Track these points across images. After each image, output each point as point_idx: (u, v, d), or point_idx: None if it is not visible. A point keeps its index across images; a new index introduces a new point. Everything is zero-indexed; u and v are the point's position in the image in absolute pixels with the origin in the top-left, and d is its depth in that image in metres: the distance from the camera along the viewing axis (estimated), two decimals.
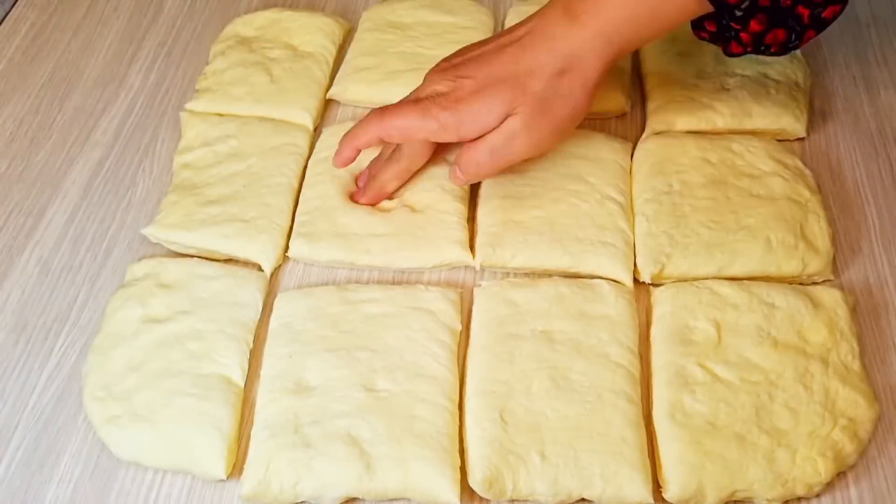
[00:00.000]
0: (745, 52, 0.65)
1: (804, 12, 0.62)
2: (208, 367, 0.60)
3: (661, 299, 0.63)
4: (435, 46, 0.81)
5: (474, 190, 0.72)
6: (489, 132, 0.63)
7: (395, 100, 0.78)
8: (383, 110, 0.65)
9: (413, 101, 0.64)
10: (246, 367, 0.61)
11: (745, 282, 0.64)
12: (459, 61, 0.66)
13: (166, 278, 0.65)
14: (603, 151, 0.72)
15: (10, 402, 0.62)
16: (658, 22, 0.63)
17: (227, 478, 0.57)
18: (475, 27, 0.83)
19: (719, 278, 0.64)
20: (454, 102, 0.62)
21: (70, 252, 0.70)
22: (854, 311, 0.64)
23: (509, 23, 0.85)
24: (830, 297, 0.63)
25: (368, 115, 0.66)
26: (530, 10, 0.83)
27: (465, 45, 0.80)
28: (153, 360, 0.61)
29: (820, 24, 0.63)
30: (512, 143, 0.63)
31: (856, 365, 0.60)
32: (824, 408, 0.57)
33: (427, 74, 0.67)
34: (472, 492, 0.56)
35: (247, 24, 0.85)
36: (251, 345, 0.62)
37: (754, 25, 0.62)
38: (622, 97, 0.77)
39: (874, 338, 0.64)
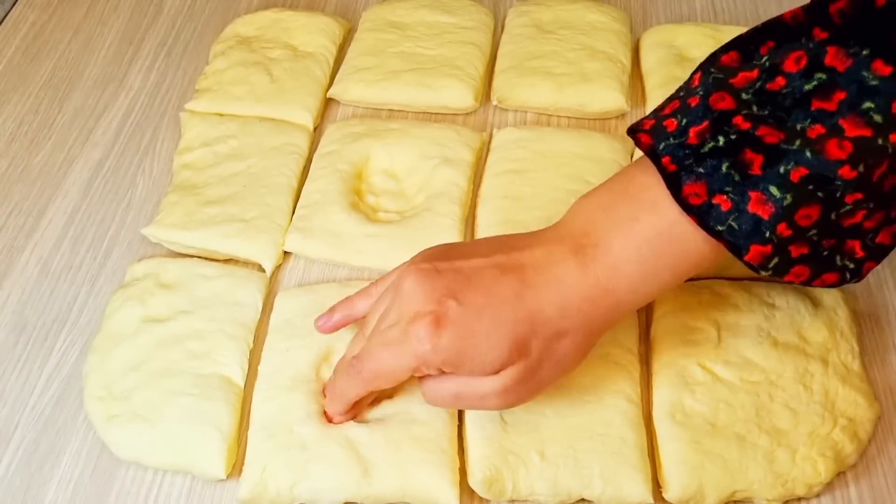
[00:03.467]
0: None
1: (854, 244, 0.50)
2: (208, 367, 0.60)
3: (661, 299, 0.63)
4: (435, 46, 0.81)
5: (474, 191, 0.72)
6: (460, 376, 0.52)
7: (395, 100, 0.79)
8: (359, 358, 0.53)
9: (385, 336, 0.52)
10: (246, 366, 0.61)
11: (745, 282, 0.64)
12: (446, 267, 0.52)
13: (166, 278, 0.65)
14: (603, 151, 0.72)
15: (10, 402, 0.62)
16: (674, 276, 0.52)
17: (227, 477, 0.57)
18: (475, 27, 0.83)
19: (719, 278, 0.64)
20: (438, 328, 0.50)
21: (70, 252, 0.70)
22: (854, 311, 0.64)
23: (510, 22, 0.85)
24: (830, 297, 0.63)
25: (344, 368, 0.55)
26: (530, 9, 0.84)
27: (464, 44, 0.81)
28: (153, 359, 0.61)
29: (879, 253, 0.51)
30: (483, 400, 0.52)
31: (856, 365, 0.60)
32: (824, 408, 0.57)
33: (403, 273, 0.53)
34: (472, 492, 0.56)
35: (247, 24, 0.85)
36: (251, 344, 0.62)
37: (793, 277, 0.50)
38: (622, 97, 0.77)
39: (874, 338, 0.64)
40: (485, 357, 0.50)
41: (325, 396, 0.59)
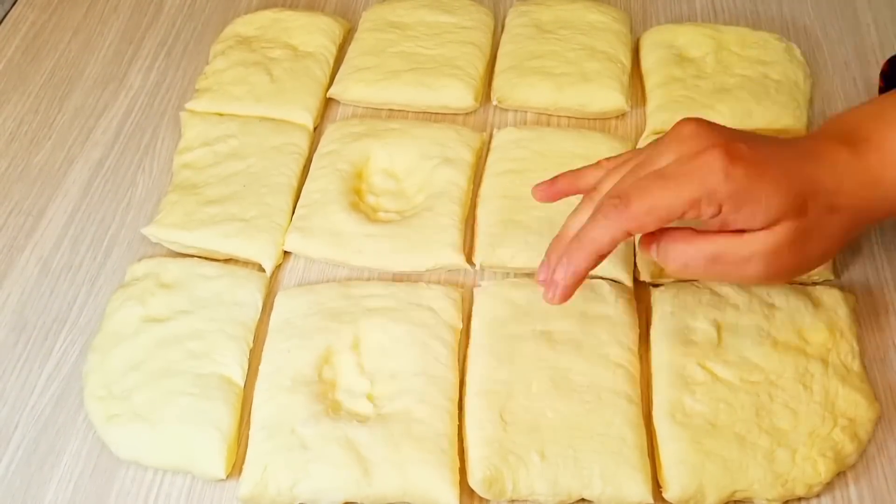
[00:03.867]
0: None
1: None
2: (208, 367, 0.60)
3: (661, 299, 0.63)
4: (435, 46, 0.81)
5: (474, 190, 0.72)
6: (720, 235, 0.51)
7: (395, 99, 0.78)
8: (623, 195, 0.50)
9: (662, 171, 0.50)
10: (246, 366, 0.61)
11: None
12: (723, 127, 0.53)
13: (166, 278, 0.65)
14: (603, 151, 0.72)
15: (10, 401, 0.62)
16: None
17: (227, 477, 0.57)
18: (475, 27, 0.83)
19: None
20: (733, 160, 0.48)
21: (70, 252, 0.70)
22: (854, 311, 0.64)
23: (510, 22, 0.84)
24: (830, 297, 0.63)
25: (600, 210, 0.51)
26: (530, 9, 0.84)
27: (464, 44, 0.81)
28: (153, 359, 0.61)
29: None
30: (744, 265, 0.51)
31: (856, 365, 0.60)
32: (824, 408, 0.57)
33: (679, 124, 0.53)
34: (472, 492, 0.56)
35: (247, 24, 0.85)
36: (251, 344, 0.62)
37: None
38: (622, 97, 0.77)
39: (874, 338, 0.64)
40: (770, 200, 0.49)
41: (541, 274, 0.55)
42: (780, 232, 0.50)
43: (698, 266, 0.51)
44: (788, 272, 0.52)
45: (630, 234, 0.51)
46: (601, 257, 0.52)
